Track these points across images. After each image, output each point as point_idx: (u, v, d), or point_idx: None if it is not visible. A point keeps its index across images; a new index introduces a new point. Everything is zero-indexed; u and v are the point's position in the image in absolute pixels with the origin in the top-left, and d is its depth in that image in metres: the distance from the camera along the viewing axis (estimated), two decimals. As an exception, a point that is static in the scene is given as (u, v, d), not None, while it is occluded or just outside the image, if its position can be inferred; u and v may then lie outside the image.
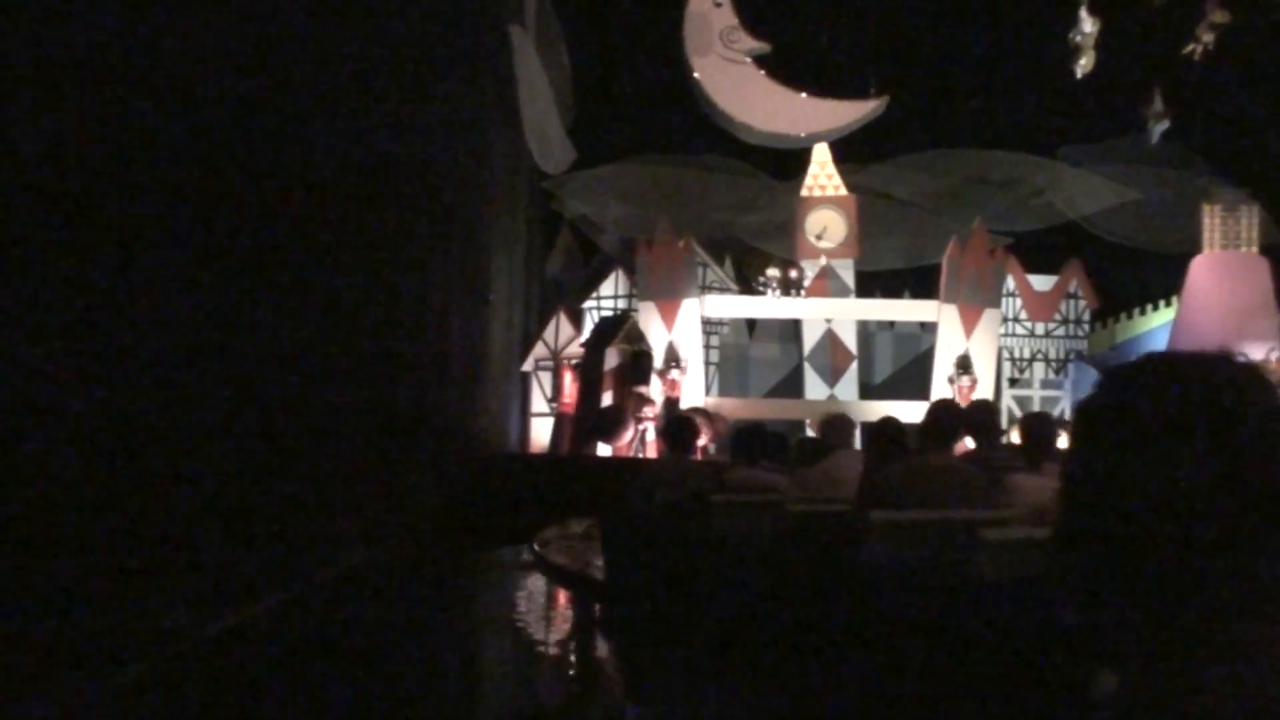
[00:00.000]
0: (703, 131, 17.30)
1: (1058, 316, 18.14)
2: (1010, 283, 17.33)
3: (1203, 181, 16.63)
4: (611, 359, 14.40)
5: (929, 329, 16.37)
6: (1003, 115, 17.75)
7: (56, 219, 5.53)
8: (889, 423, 5.49)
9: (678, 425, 7.05)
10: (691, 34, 16.67)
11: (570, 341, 15.46)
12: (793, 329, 17.19)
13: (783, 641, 5.12)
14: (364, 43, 9.80)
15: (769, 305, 16.08)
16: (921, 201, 17.50)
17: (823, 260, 16.18)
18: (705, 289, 16.71)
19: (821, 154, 16.51)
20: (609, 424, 13.88)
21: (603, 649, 6.91)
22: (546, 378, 15.75)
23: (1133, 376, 1.04)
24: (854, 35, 17.78)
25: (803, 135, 16.73)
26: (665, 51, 17.05)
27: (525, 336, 16.53)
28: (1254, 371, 1.02)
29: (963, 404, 10.85)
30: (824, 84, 16.92)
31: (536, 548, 9.39)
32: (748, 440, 6.44)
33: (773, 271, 16.04)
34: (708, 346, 16.60)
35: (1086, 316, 18.27)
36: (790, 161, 17.09)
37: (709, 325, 16.71)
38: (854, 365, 16.57)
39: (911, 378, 16.86)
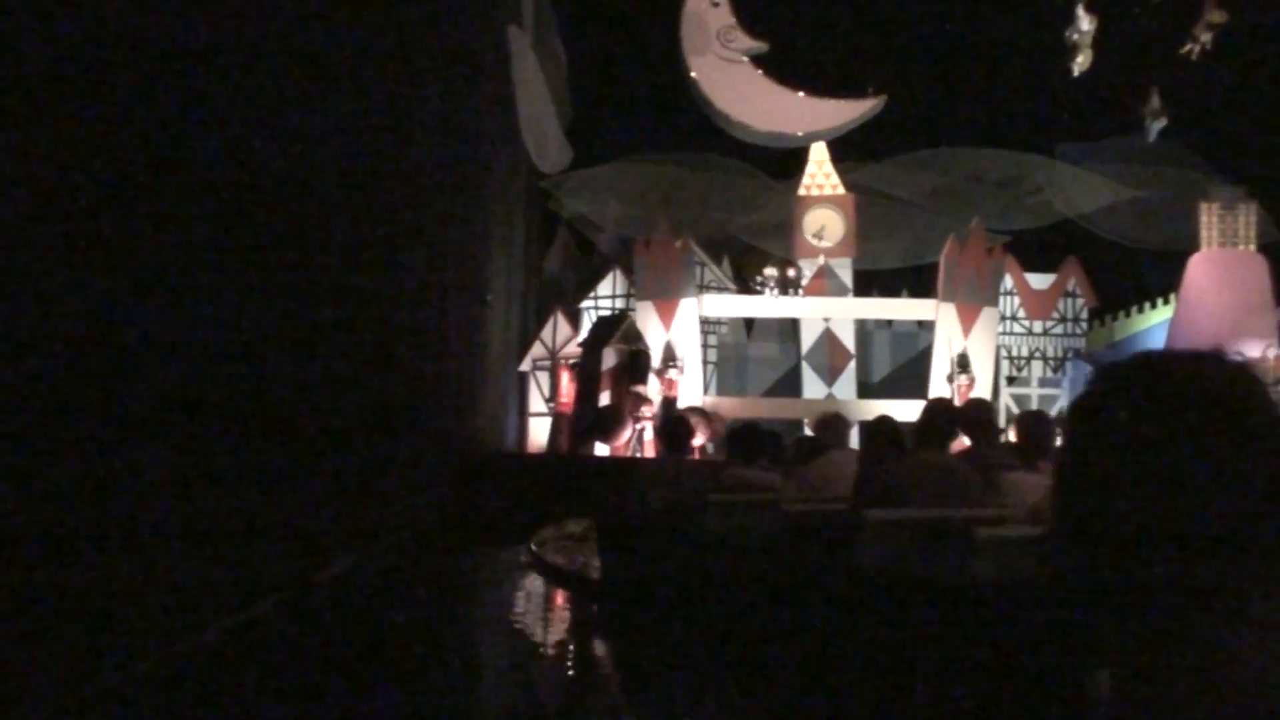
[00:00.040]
0: (700, 131, 17.29)
1: (1056, 315, 18.14)
2: (1008, 281, 17.34)
3: (1200, 179, 16.63)
4: (609, 358, 14.40)
5: (927, 328, 16.37)
6: (1000, 114, 17.74)
7: (62, 221, 5.54)
8: (885, 422, 5.49)
9: (673, 425, 7.05)
10: (689, 33, 16.66)
11: (568, 341, 15.46)
12: (791, 328, 17.20)
13: (779, 641, 5.12)
14: (361, 43, 9.80)
15: (767, 304, 16.08)
16: (919, 200, 17.50)
17: (820, 259, 16.18)
18: (703, 288, 16.71)
19: (819, 153, 16.51)
20: (606, 424, 13.88)
21: (600, 649, 6.91)
22: (544, 377, 15.74)
23: (1124, 376, 1.04)
24: (851, 34, 17.77)
25: (800, 134, 16.72)
26: (662, 51, 17.04)
27: (523, 336, 16.52)
28: (1246, 370, 1.02)
29: (960, 403, 10.86)
30: (821, 83, 16.91)
31: (534, 548, 9.39)
32: (744, 439, 6.44)
33: (771, 271, 16.05)
34: (706, 346, 16.60)
35: (1084, 315, 18.27)
36: (788, 161, 17.09)
37: (707, 324, 16.71)
38: (852, 364, 16.57)
39: (909, 376, 16.87)
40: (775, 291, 15.80)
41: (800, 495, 5.68)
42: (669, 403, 14.55)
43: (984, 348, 15.60)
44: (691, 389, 15.22)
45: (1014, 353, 17.88)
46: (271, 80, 7.86)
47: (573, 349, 15.28)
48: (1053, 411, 13.77)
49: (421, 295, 12.00)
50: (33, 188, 5.40)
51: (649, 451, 13.88)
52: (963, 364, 15.27)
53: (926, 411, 5.09)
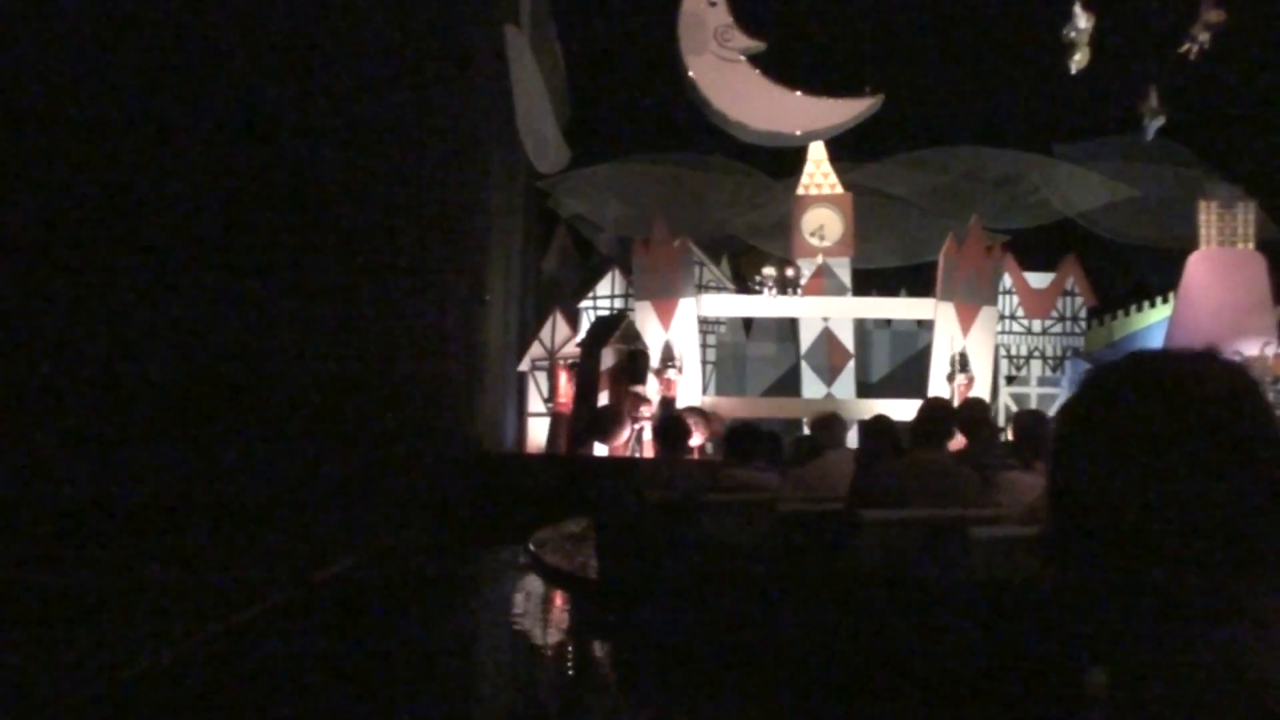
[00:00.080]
0: (698, 131, 17.28)
1: (1054, 314, 18.14)
2: (1007, 280, 17.33)
3: (1199, 177, 16.63)
4: (607, 358, 14.39)
5: (926, 327, 16.35)
6: (998, 113, 17.74)
7: (62, 221, 5.55)
8: (881, 421, 5.50)
9: (669, 425, 7.05)
10: (686, 33, 16.65)
11: (566, 341, 15.45)
12: (790, 328, 17.18)
13: (776, 640, 5.12)
14: (359, 43, 9.80)
15: (765, 304, 16.07)
16: (918, 199, 17.50)
17: (819, 259, 16.16)
18: (702, 288, 16.70)
19: (817, 152, 16.49)
20: (605, 424, 13.88)
21: (597, 649, 6.91)
22: (543, 377, 15.74)
23: (1116, 376, 1.04)
24: (849, 34, 17.76)
25: (798, 134, 16.70)
26: (660, 51, 17.03)
27: (522, 336, 16.52)
28: (1240, 370, 1.02)
29: (959, 402, 10.86)
30: (819, 82, 16.90)
31: (532, 548, 9.38)
32: (740, 440, 6.44)
33: (769, 270, 16.03)
34: (704, 345, 16.58)
35: (1083, 314, 18.27)
36: (786, 160, 17.08)
37: (705, 324, 16.70)
38: (851, 364, 16.55)
39: (909, 376, 16.85)
40: (774, 291, 15.79)
41: (797, 495, 5.68)
42: (667, 403, 14.54)
43: (983, 347, 15.59)
44: (690, 389, 15.21)
45: (1013, 352, 17.88)
46: (269, 81, 7.87)
47: (571, 349, 15.27)
48: (1051, 411, 13.77)
49: (420, 295, 12.00)
50: (35, 190, 5.42)
51: (648, 451, 13.86)
52: (962, 363, 15.25)
53: (923, 411, 5.09)
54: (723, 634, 5.42)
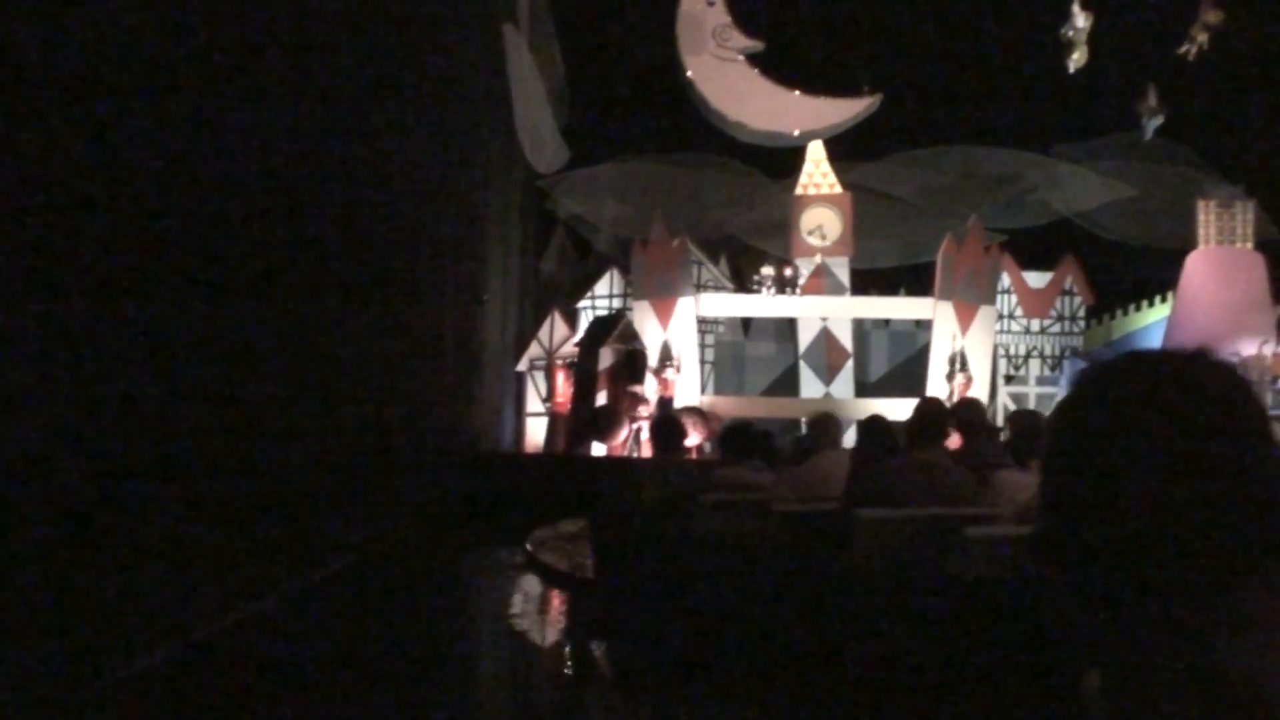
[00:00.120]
0: (697, 130, 17.28)
1: (1053, 313, 18.14)
2: (1005, 280, 17.33)
3: (1197, 177, 16.63)
4: (606, 358, 14.38)
5: (924, 326, 16.35)
6: (996, 112, 17.73)
7: (62, 221, 5.55)
8: (876, 421, 5.49)
9: (664, 425, 7.04)
10: (684, 33, 16.64)
11: (565, 341, 15.44)
12: (788, 327, 17.18)
13: (771, 639, 5.11)
14: (356, 42, 9.80)
15: (764, 304, 16.06)
16: (916, 199, 17.49)
17: (818, 258, 16.16)
18: (700, 288, 16.69)
19: (816, 152, 16.49)
20: (603, 423, 13.87)
21: (593, 648, 6.90)
22: (541, 377, 15.74)
23: (1109, 376, 1.03)
24: (847, 33, 17.76)
25: (796, 133, 16.70)
26: (658, 50, 17.03)
27: (520, 336, 16.52)
28: (1231, 370, 1.02)
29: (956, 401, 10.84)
30: (817, 82, 16.90)
31: (529, 547, 9.38)
32: (735, 439, 6.43)
33: (768, 270, 16.02)
34: (703, 345, 16.58)
35: (1082, 313, 18.27)
36: (785, 160, 17.07)
37: (704, 324, 16.70)
38: (849, 363, 16.55)
39: (907, 375, 16.85)
40: (772, 291, 15.79)
41: (791, 495, 5.68)
42: (665, 402, 14.53)
43: (981, 346, 15.58)
44: (689, 388, 15.20)
45: (1012, 351, 17.88)
46: (266, 80, 7.86)
47: (569, 349, 15.27)
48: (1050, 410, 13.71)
49: (417, 295, 12.00)
50: (34, 189, 5.41)
51: (646, 451, 13.86)
52: (960, 363, 15.24)
53: (918, 411, 5.08)
54: (717, 633, 5.41)
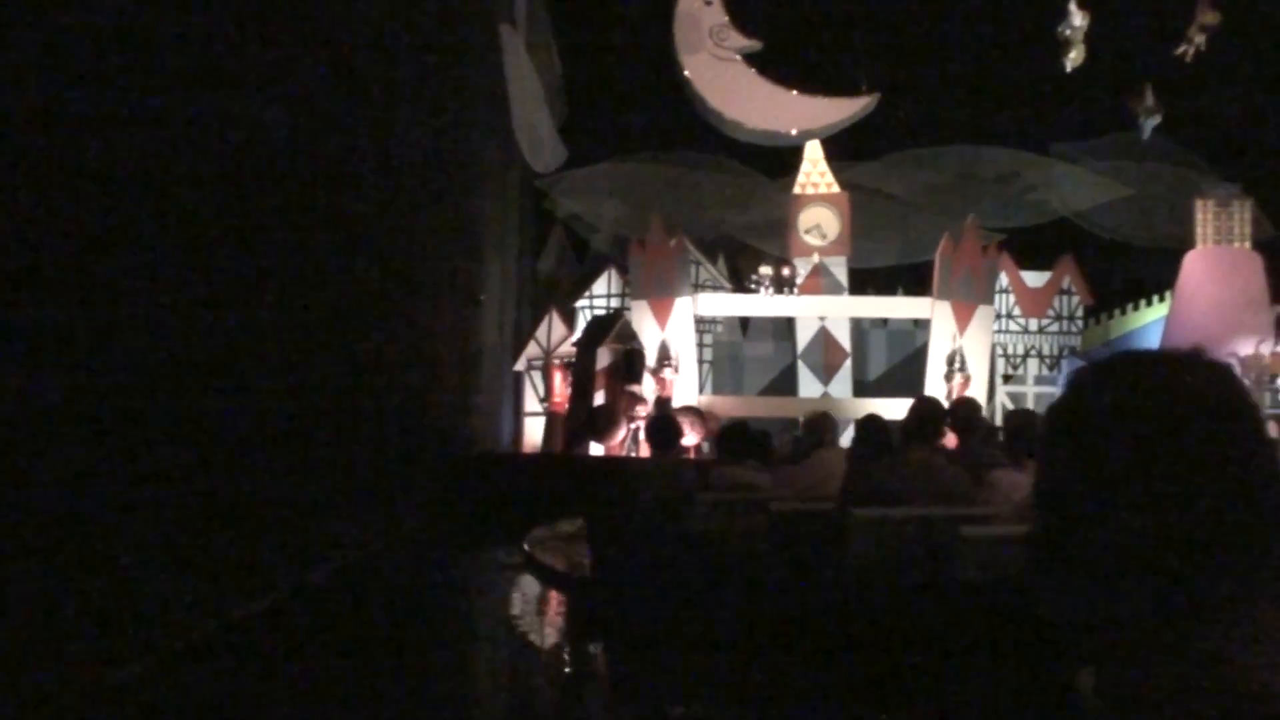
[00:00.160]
0: (694, 130, 17.29)
1: (1051, 313, 18.16)
2: (1003, 279, 17.34)
3: (1195, 176, 16.64)
4: (603, 358, 14.38)
5: (922, 326, 16.36)
6: (994, 111, 17.75)
7: (60, 220, 5.55)
8: (873, 421, 5.48)
9: (659, 424, 7.04)
10: (682, 32, 16.65)
11: (562, 341, 15.45)
12: (786, 327, 17.18)
13: (767, 638, 5.11)
14: (354, 43, 9.79)
15: (762, 303, 16.07)
16: (914, 198, 17.50)
17: (816, 258, 16.17)
18: (698, 287, 16.70)
19: (814, 151, 16.50)
20: (601, 423, 13.87)
21: (590, 647, 6.90)
22: (539, 377, 15.75)
23: (1102, 377, 1.03)
24: (844, 32, 17.78)
25: (794, 133, 16.71)
26: (656, 50, 17.03)
27: (518, 336, 16.52)
28: (1224, 370, 1.01)
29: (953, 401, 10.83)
30: (815, 81, 16.91)
31: (526, 547, 9.38)
32: (732, 439, 6.43)
33: (766, 269, 16.03)
34: (701, 345, 16.58)
35: (1080, 312, 18.30)
36: (783, 159, 17.09)
37: (702, 323, 16.70)
38: (848, 363, 16.56)
39: (906, 375, 16.86)
40: (770, 290, 15.79)
41: (788, 494, 5.68)
42: (662, 402, 14.53)
43: (980, 346, 15.59)
44: (686, 388, 15.20)
45: (1010, 351, 17.90)
46: (259, 79, 7.85)
47: (567, 348, 15.27)
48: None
49: (415, 295, 12.00)
50: (33, 190, 5.41)
51: (644, 451, 13.85)
52: (959, 362, 15.25)
53: (914, 410, 5.08)
54: (714, 633, 5.41)
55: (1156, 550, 0.94)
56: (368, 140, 10.31)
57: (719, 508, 5.76)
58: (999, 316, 17.15)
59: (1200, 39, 15.42)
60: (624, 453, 14.05)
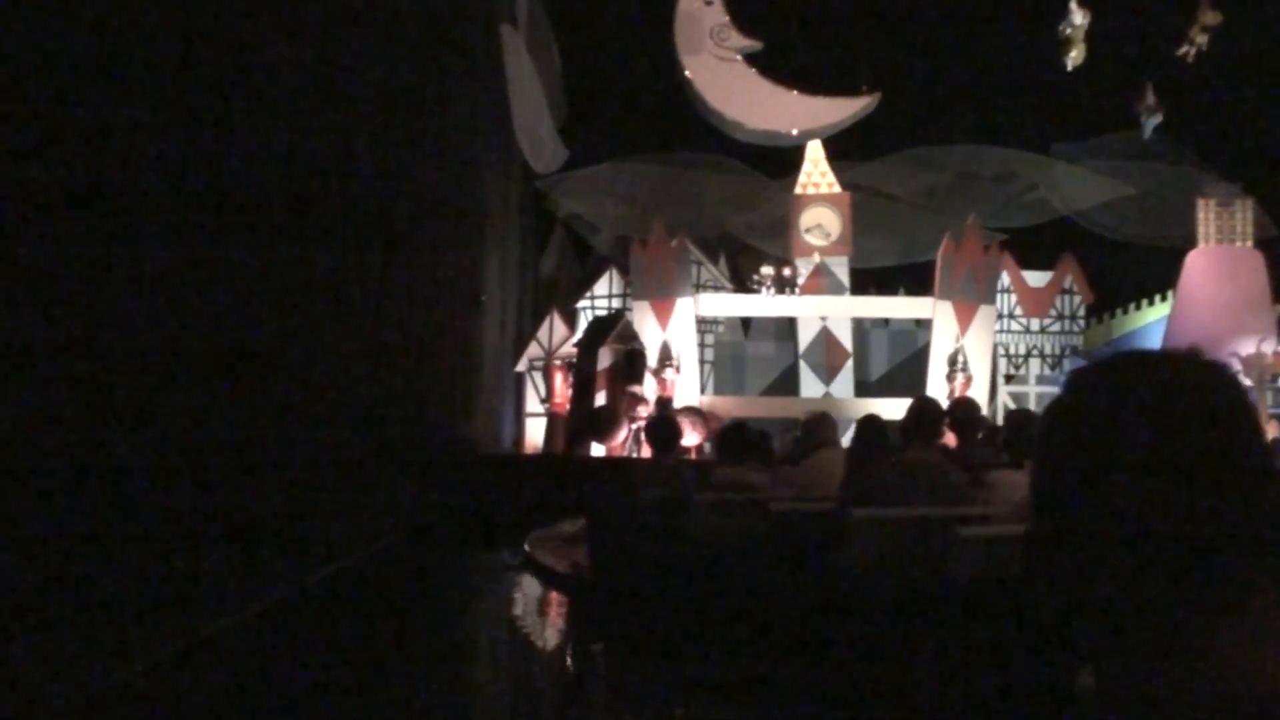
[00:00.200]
0: (696, 130, 17.29)
1: (1053, 312, 18.14)
2: (1005, 279, 17.33)
3: (1196, 175, 16.62)
4: (604, 358, 14.38)
5: (924, 326, 16.35)
6: (995, 111, 17.74)
7: (61, 224, 5.56)
8: (872, 421, 5.48)
9: (659, 425, 7.04)
10: (682, 32, 16.65)
11: (564, 341, 15.44)
12: (788, 327, 17.18)
13: (766, 639, 5.11)
14: (353, 43, 9.79)
15: (764, 303, 16.06)
16: (915, 198, 17.50)
17: (817, 258, 16.16)
18: (700, 287, 16.71)
19: (815, 151, 16.50)
20: (602, 424, 13.86)
21: (589, 648, 6.90)
22: (540, 378, 15.75)
23: (1098, 377, 1.03)
24: (845, 32, 17.77)
25: (794, 133, 16.71)
26: (657, 50, 17.04)
27: (519, 336, 16.52)
28: (1222, 371, 1.01)
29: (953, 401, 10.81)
30: (815, 81, 16.91)
31: (527, 548, 9.38)
32: (732, 439, 6.43)
33: (767, 270, 16.02)
34: (702, 345, 16.59)
35: (1082, 312, 18.28)
36: (784, 159, 17.08)
37: (703, 324, 16.70)
38: (849, 363, 16.55)
39: (907, 375, 16.86)
40: (772, 290, 15.78)
41: (788, 494, 5.67)
42: (663, 402, 14.52)
43: (981, 345, 15.58)
44: (688, 388, 15.20)
45: (1012, 350, 17.89)
46: (261, 81, 7.86)
47: (568, 349, 15.27)
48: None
49: (416, 295, 12.00)
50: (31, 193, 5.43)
51: (646, 451, 13.85)
52: (960, 362, 15.24)
53: (913, 410, 5.08)
54: (713, 633, 5.41)
55: (1154, 550, 0.94)
56: (368, 141, 10.32)
57: (718, 508, 5.76)
58: (1001, 316, 17.14)
59: (1202, 39, 15.41)
60: (625, 453, 14.05)
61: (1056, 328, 18.10)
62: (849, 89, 16.82)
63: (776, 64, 16.91)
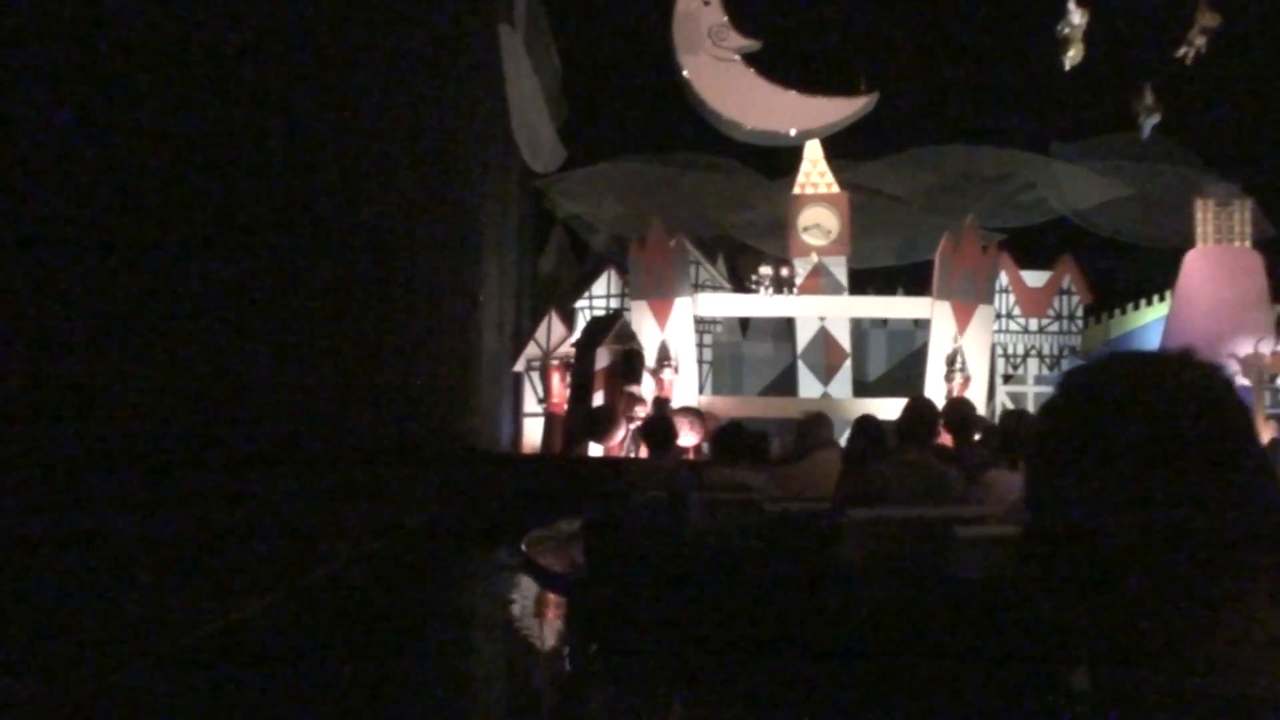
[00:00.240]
0: (694, 130, 17.29)
1: (1051, 312, 18.14)
2: (1003, 279, 17.33)
3: (1195, 175, 16.63)
4: (602, 358, 14.38)
5: (923, 326, 16.35)
6: (993, 111, 17.75)
7: (57, 228, 5.57)
8: (868, 421, 5.48)
9: (654, 425, 7.04)
10: (681, 32, 16.65)
11: (562, 341, 15.45)
12: (786, 327, 17.18)
13: (762, 638, 5.11)
14: (350, 43, 9.79)
15: (762, 303, 16.06)
16: (914, 198, 17.50)
17: (815, 258, 16.16)
18: (698, 287, 16.71)
19: (813, 151, 16.50)
20: (600, 424, 13.87)
21: (586, 649, 6.90)
22: (538, 377, 15.75)
23: (1091, 378, 1.03)
24: (843, 32, 17.77)
25: (793, 133, 16.72)
26: (655, 50, 17.04)
27: (518, 336, 16.52)
28: (1214, 372, 1.01)
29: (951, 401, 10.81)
30: (813, 81, 16.91)
31: (524, 548, 9.38)
32: (728, 439, 6.43)
33: (765, 269, 16.02)
34: (701, 345, 16.59)
35: (1080, 312, 18.28)
36: (782, 159, 17.08)
37: (702, 324, 16.70)
38: (848, 363, 16.56)
39: (906, 375, 16.86)
40: (770, 290, 15.78)
41: (783, 495, 5.68)
42: (661, 402, 14.52)
43: (980, 345, 15.58)
44: (686, 388, 15.20)
45: (1010, 350, 17.89)
46: (260, 79, 7.86)
47: (566, 349, 15.27)
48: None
49: (413, 296, 12.00)
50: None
51: (644, 452, 13.85)
52: (959, 362, 15.24)
53: (908, 410, 5.08)
54: (710, 634, 5.41)
55: (1148, 550, 0.94)
56: (367, 141, 10.31)
57: (714, 508, 5.76)
58: (999, 316, 17.14)
59: (1201, 41, 15.41)
60: (623, 453, 14.05)
61: (1055, 328, 18.11)
62: (847, 89, 16.82)
63: (775, 64, 16.92)
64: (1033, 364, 17.99)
